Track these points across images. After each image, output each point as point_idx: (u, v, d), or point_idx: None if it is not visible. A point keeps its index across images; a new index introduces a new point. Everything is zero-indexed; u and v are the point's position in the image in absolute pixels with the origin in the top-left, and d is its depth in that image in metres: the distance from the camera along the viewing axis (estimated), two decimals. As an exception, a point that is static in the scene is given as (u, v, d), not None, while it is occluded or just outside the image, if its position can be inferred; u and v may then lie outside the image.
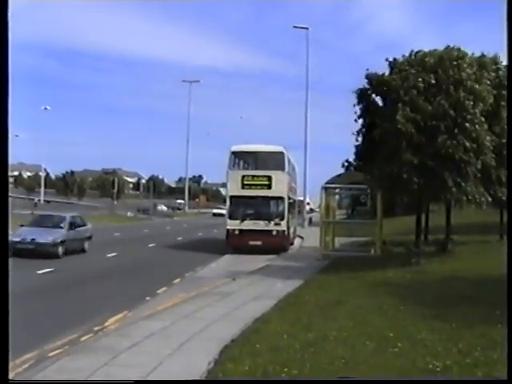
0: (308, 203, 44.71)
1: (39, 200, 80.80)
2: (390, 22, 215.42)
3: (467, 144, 15.85)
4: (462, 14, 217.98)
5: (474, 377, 6.01)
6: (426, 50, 17.78)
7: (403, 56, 18.03)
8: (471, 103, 16.07)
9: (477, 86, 16.31)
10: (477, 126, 16.06)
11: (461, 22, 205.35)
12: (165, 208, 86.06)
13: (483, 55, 18.06)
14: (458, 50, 17.41)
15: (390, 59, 18.17)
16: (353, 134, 18.80)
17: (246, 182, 24.61)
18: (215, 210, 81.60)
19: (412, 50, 17.94)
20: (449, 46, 17.59)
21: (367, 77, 18.28)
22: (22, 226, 20.82)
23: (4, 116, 3.35)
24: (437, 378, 5.99)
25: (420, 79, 16.47)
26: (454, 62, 16.70)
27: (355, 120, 18.68)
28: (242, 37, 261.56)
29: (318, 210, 60.32)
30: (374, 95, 18.53)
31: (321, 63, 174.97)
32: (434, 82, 16.48)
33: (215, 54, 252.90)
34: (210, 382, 6.14)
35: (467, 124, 15.95)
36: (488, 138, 16.29)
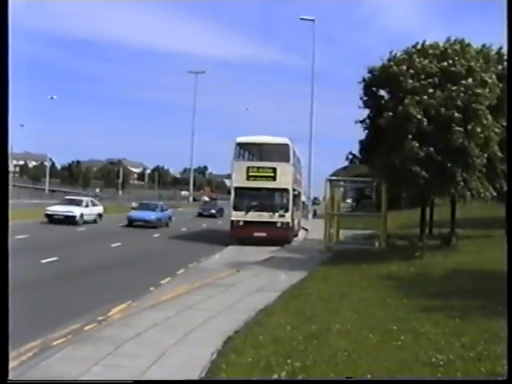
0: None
1: (97, 193, 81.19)
2: (399, 16, 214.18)
3: (481, 136, 15.65)
4: (471, 9, 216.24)
5: (474, 377, 5.98)
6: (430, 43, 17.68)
7: (407, 48, 17.88)
8: (481, 92, 15.90)
9: (487, 78, 16.16)
10: (488, 117, 15.85)
11: (470, 17, 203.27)
12: (207, 198, 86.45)
13: (484, 46, 17.87)
14: (461, 41, 17.26)
15: (394, 52, 18.03)
16: (356, 122, 18.53)
17: (250, 174, 24.61)
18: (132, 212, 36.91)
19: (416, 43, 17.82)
20: (456, 39, 17.46)
21: (370, 71, 18.10)
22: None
23: (4, 108, 3.33)
24: (437, 378, 5.96)
25: (426, 65, 16.27)
26: (461, 53, 16.57)
27: (359, 106, 18.46)
28: (250, 29, 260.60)
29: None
30: (379, 88, 18.35)
31: (329, 57, 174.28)
32: (438, 70, 16.31)
33: (222, 46, 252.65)
34: (210, 382, 6.11)
35: (480, 113, 15.73)
36: (497, 130, 16.12)
